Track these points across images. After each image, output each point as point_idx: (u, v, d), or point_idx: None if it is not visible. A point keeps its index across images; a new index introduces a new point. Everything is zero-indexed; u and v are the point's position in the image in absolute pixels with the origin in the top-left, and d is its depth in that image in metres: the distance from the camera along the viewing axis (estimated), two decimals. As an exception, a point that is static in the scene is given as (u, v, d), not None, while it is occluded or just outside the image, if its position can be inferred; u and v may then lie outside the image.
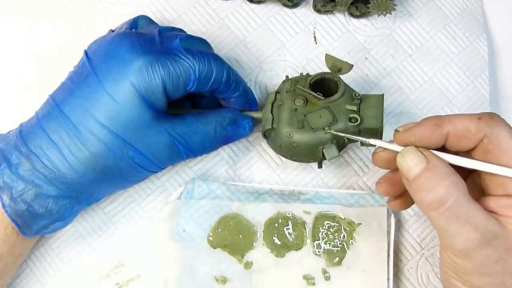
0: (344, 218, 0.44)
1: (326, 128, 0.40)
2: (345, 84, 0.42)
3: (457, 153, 0.34)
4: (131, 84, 0.36)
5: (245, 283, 0.43)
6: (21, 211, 0.37)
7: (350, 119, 0.40)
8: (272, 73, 0.47)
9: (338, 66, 0.41)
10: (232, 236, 0.43)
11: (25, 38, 0.47)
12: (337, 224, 0.44)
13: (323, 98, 0.41)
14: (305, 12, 0.49)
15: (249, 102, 0.43)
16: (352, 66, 0.41)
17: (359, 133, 0.40)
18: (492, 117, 0.33)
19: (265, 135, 0.43)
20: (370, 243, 0.43)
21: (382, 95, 0.41)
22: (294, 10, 0.49)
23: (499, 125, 0.32)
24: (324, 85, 0.43)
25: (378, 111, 0.41)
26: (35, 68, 0.47)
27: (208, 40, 0.43)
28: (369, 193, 0.45)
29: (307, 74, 0.43)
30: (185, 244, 0.43)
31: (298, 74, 0.44)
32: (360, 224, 0.44)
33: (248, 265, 0.43)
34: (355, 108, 0.41)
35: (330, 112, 0.41)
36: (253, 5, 0.48)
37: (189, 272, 0.42)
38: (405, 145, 0.34)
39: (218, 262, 0.43)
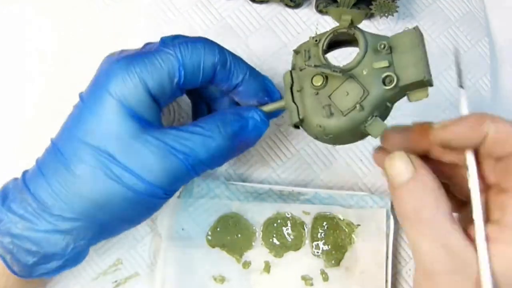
0: (343, 219, 0.44)
1: (358, 106, 0.32)
2: (365, 37, 0.33)
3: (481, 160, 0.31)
4: (108, 93, 0.33)
5: (243, 283, 0.43)
6: (7, 244, 0.34)
7: (383, 81, 0.32)
8: (274, 72, 0.47)
9: (347, 19, 0.33)
10: (231, 236, 0.43)
11: (27, 34, 0.47)
12: (336, 225, 0.44)
13: (340, 70, 0.32)
14: (307, 12, 0.49)
15: (265, 90, 0.37)
16: (364, 13, 0.33)
17: (401, 93, 0.32)
18: None
19: (296, 126, 0.36)
20: (369, 244, 0.43)
21: (416, 30, 0.32)
22: (296, 10, 0.49)
23: None
24: (341, 44, 0.35)
25: (416, 54, 0.31)
26: (37, 65, 0.47)
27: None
28: (368, 195, 0.45)
29: (316, 36, 0.35)
30: (184, 242, 0.43)
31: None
32: (359, 225, 0.44)
33: (246, 264, 0.43)
34: (386, 63, 0.32)
35: (357, 82, 0.32)
36: (255, 5, 0.48)
37: (187, 271, 0.42)
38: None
39: (216, 261, 0.43)
